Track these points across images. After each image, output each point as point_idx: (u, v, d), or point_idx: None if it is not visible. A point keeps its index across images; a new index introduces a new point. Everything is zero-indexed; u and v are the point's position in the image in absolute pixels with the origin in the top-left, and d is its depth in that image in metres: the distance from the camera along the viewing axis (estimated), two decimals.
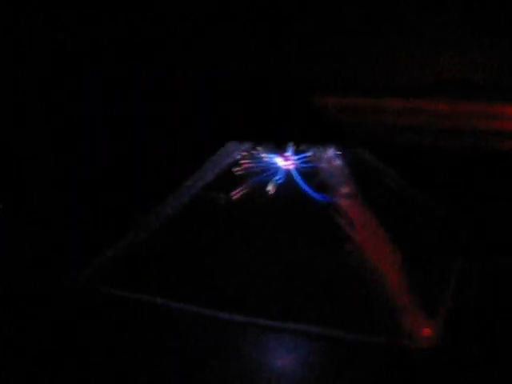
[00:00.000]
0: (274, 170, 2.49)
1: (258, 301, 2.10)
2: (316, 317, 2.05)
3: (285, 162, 2.51)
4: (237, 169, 2.50)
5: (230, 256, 2.23)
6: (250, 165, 2.49)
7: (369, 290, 2.12)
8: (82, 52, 2.64)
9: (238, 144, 2.54)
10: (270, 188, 2.42)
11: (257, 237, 2.27)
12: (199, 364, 1.97)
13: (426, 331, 2.06)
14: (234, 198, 2.39)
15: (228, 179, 2.46)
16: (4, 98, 2.68)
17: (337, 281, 2.14)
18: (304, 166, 2.48)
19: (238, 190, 2.41)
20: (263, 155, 2.52)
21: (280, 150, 2.52)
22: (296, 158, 2.51)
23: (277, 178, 2.44)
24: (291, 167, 2.50)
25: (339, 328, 2.04)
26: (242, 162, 2.51)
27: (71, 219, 2.45)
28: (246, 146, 2.55)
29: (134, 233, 2.35)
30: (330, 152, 2.48)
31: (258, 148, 2.53)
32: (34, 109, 2.68)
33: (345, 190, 2.39)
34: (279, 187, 2.43)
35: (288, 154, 2.52)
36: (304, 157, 2.51)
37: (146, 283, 2.19)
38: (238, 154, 2.52)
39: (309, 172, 2.45)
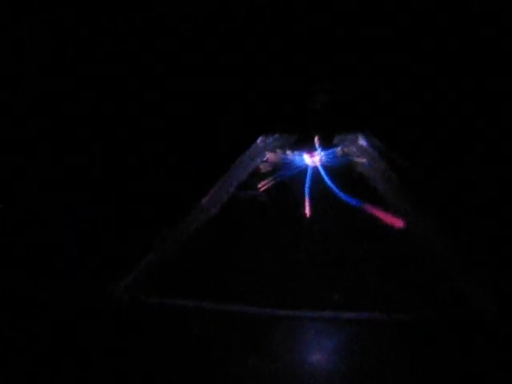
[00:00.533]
0: (301, 167, 2.47)
1: (309, 293, 2.13)
2: (379, 302, 2.10)
3: (312, 159, 2.49)
4: (265, 166, 2.48)
5: (271, 255, 2.24)
6: (279, 162, 2.48)
7: (423, 270, 2.15)
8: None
9: (268, 140, 2.53)
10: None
11: (294, 233, 2.29)
12: (244, 360, 1.99)
13: (484, 301, 2.07)
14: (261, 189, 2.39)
15: (260, 177, 2.46)
16: (4, 98, 2.68)
17: (387, 266, 2.18)
18: (331, 161, 2.47)
19: (264, 183, 2.40)
20: (291, 152, 2.50)
21: (308, 143, 2.50)
22: (323, 153, 2.49)
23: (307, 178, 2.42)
24: (318, 163, 2.48)
25: (404, 309, 2.07)
26: (271, 159, 2.50)
27: (108, 229, 2.44)
28: (276, 142, 2.54)
29: (172, 236, 2.33)
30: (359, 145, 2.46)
31: (287, 145, 2.52)
32: (36, 109, 2.69)
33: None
34: (307, 185, 2.41)
35: (315, 149, 2.49)
36: (331, 152, 2.49)
37: (189, 287, 2.19)
38: (268, 151, 2.51)
39: (337, 169, 2.44)
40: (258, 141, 2.53)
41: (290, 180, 2.44)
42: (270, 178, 2.44)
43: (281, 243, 2.28)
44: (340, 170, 2.42)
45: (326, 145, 2.49)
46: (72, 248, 2.41)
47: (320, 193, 2.38)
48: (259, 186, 2.41)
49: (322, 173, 2.44)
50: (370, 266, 2.19)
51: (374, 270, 2.17)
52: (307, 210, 2.35)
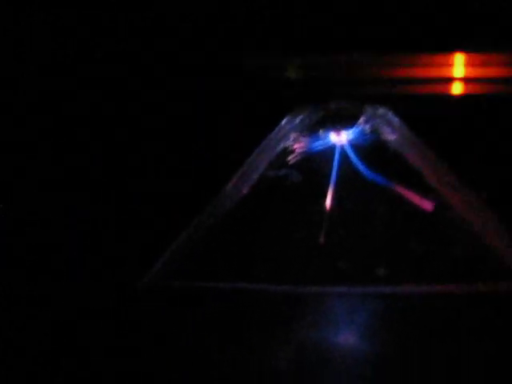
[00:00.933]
0: (328, 146, 2.45)
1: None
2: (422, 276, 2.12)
3: (339, 137, 2.46)
4: (291, 147, 2.45)
5: (301, 234, 2.26)
6: (305, 142, 2.45)
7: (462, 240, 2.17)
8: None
9: (294, 120, 2.50)
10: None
11: (323, 213, 2.30)
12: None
13: None
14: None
15: (287, 157, 2.44)
16: (3, 98, 2.68)
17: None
18: (360, 139, 2.44)
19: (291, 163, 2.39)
20: (317, 132, 2.47)
21: (335, 121, 2.48)
22: (351, 131, 2.46)
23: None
24: (346, 141, 2.45)
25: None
26: (297, 139, 2.47)
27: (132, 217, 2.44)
28: (302, 122, 2.51)
29: (200, 220, 2.31)
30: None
31: (313, 124, 2.49)
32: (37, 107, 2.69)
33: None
34: (334, 164, 2.40)
35: (343, 127, 2.46)
36: (360, 129, 2.46)
37: (220, 269, 2.20)
38: (294, 131, 2.48)
39: (365, 147, 2.42)
40: (284, 122, 2.51)
41: (317, 160, 2.42)
42: (297, 159, 2.42)
43: (311, 222, 2.28)
44: (369, 148, 2.41)
45: (354, 121, 2.47)
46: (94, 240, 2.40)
47: (348, 172, 2.38)
48: (287, 166, 2.40)
49: (350, 151, 2.41)
50: (412, 240, 2.21)
51: (414, 244, 2.19)
52: (334, 190, 2.35)
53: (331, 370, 1.94)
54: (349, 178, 2.33)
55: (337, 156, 2.38)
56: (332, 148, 2.41)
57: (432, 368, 1.91)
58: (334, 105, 2.47)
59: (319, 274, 2.13)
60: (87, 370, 2.00)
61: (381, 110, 2.45)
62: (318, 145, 2.42)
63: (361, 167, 2.35)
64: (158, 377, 1.97)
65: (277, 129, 2.48)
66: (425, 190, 2.27)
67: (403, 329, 2.00)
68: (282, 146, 2.43)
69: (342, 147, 2.41)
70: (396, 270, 2.13)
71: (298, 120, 2.49)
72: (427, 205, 2.26)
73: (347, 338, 2.01)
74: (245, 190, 2.34)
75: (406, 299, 2.07)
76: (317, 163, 2.39)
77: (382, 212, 2.25)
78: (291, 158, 2.38)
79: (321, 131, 2.45)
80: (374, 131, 2.44)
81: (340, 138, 2.43)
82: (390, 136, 2.42)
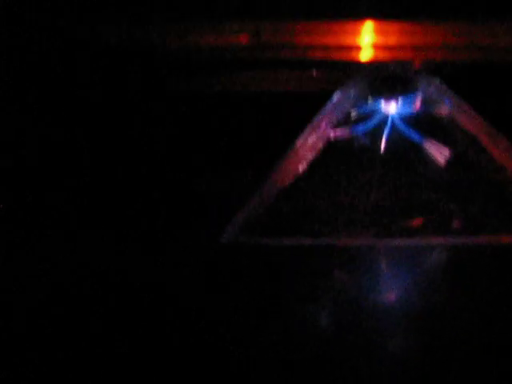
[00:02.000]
0: (380, 115, 2.49)
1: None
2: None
3: (391, 106, 2.49)
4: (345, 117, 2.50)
5: (365, 193, 2.40)
6: (356, 113, 2.50)
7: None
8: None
9: (346, 92, 2.54)
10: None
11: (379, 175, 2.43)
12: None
13: None
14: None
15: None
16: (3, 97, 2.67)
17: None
18: (411, 108, 2.48)
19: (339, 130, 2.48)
20: (369, 101, 2.50)
21: (386, 90, 2.51)
22: (403, 100, 2.48)
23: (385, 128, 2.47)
24: (397, 111, 2.48)
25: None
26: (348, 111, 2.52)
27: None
28: (353, 93, 2.55)
29: (272, 181, 2.43)
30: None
31: (364, 95, 2.53)
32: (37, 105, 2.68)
33: None
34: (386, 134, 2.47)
35: (394, 96, 2.49)
36: (411, 98, 2.49)
37: (293, 226, 2.34)
38: (346, 103, 2.53)
39: (417, 115, 2.48)
40: (335, 94, 2.54)
41: (370, 130, 2.48)
42: (350, 129, 2.48)
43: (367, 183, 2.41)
44: (421, 117, 2.46)
45: (406, 90, 2.49)
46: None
47: (398, 139, 2.45)
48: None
49: (400, 121, 2.45)
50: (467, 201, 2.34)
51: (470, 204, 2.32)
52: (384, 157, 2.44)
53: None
54: (399, 144, 2.41)
55: (389, 124, 2.43)
56: (384, 117, 2.46)
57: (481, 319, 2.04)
58: (385, 73, 2.51)
59: (379, 229, 2.28)
60: (178, 320, 2.11)
61: (433, 80, 2.48)
62: (370, 115, 2.45)
63: (412, 135, 2.40)
64: (237, 327, 2.08)
65: (329, 101, 2.53)
66: (481, 154, 2.38)
67: (460, 280, 2.14)
68: (336, 117, 2.48)
69: (394, 116, 2.45)
70: (456, 227, 2.28)
71: (350, 90, 2.53)
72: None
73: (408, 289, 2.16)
74: (311, 155, 2.43)
75: (461, 251, 2.23)
76: (370, 132, 2.45)
77: (433, 174, 2.36)
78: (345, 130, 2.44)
79: (372, 100, 2.49)
80: (427, 100, 2.47)
81: (392, 106, 2.47)
82: (442, 105, 2.45)
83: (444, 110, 2.43)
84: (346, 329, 2.08)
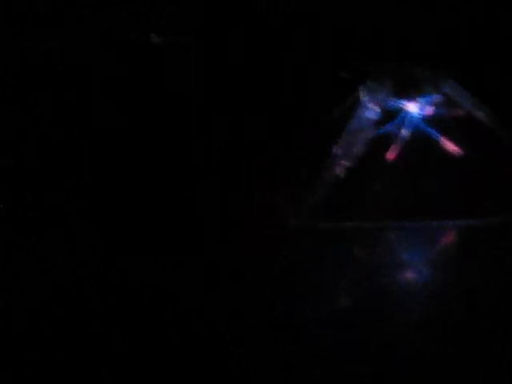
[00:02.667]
0: (401, 116, 2.70)
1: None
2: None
3: (413, 106, 2.68)
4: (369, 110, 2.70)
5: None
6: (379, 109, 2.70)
7: None
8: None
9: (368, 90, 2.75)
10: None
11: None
12: None
13: None
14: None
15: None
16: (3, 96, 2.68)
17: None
18: (433, 108, 2.68)
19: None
20: (390, 101, 2.71)
21: (408, 90, 2.70)
22: (424, 100, 2.68)
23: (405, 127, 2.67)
24: (419, 111, 2.68)
25: None
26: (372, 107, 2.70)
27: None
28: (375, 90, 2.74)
29: (329, 172, 2.65)
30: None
31: (386, 93, 2.72)
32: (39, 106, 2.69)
33: None
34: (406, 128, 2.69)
35: (416, 96, 2.68)
36: (432, 99, 2.69)
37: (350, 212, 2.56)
38: (370, 101, 2.72)
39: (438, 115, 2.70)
40: (359, 92, 2.75)
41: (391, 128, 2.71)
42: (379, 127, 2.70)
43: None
44: (442, 117, 2.68)
45: (427, 91, 2.69)
46: None
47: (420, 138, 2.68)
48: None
49: (421, 121, 2.66)
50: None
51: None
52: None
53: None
54: (420, 141, 2.64)
55: (408, 121, 2.64)
56: (404, 114, 2.67)
57: None
58: (407, 74, 2.72)
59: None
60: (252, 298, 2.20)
61: (450, 82, 2.67)
62: (391, 114, 2.66)
63: (430, 132, 2.61)
64: (310, 309, 2.15)
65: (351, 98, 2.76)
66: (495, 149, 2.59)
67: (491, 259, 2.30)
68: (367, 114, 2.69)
69: (414, 115, 2.65)
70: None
71: (372, 87, 2.72)
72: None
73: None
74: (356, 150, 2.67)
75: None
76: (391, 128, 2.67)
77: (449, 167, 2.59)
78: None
79: (394, 99, 2.69)
80: (447, 101, 2.67)
81: (412, 105, 2.65)
82: (459, 105, 2.65)
83: (460, 109, 2.63)
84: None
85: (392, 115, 2.69)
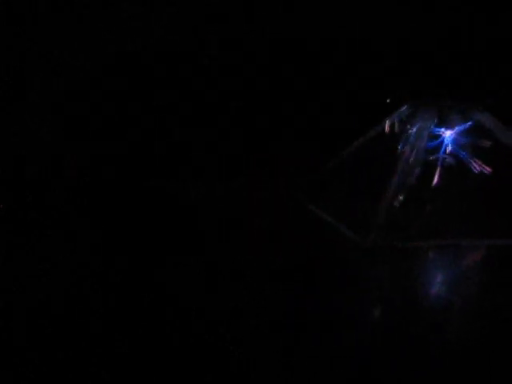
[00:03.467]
0: (443, 143, 2.93)
1: None
2: None
3: (449, 131, 2.91)
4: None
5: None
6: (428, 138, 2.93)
7: None
8: None
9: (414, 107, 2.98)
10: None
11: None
12: None
13: None
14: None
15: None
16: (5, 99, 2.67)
17: None
18: (468, 134, 2.91)
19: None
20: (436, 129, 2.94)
21: (446, 116, 2.93)
22: (460, 126, 2.91)
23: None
24: (455, 136, 2.91)
25: None
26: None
27: None
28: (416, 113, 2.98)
29: (393, 195, 2.83)
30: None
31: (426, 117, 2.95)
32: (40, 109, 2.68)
33: None
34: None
35: (452, 123, 2.92)
36: (468, 126, 2.92)
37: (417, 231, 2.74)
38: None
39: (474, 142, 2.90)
40: (403, 109, 3.00)
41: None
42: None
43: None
44: (472, 142, 2.89)
45: (462, 120, 2.92)
46: None
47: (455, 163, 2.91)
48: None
49: (456, 145, 2.90)
50: None
51: None
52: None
53: None
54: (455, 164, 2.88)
55: (445, 147, 2.89)
56: (445, 141, 2.91)
57: None
58: (446, 104, 2.96)
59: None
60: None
61: (484, 112, 2.93)
62: (436, 139, 2.91)
63: (463, 155, 2.86)
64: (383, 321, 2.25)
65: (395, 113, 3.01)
66: None
67: None
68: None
69: (450, 140, 2.89)
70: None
71: (422, 117, 2.96)
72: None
73: None
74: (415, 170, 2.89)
75: None
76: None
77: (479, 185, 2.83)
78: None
79: (433, 124, 2.93)
80: (481, 128, 2.91)
81: (449, 132, 2.89)
82: (490, 133, 2.90)
83: (491, 137, 2.89)
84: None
85: (436, 143, 2.92)
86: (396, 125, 3.00)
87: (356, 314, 2.23)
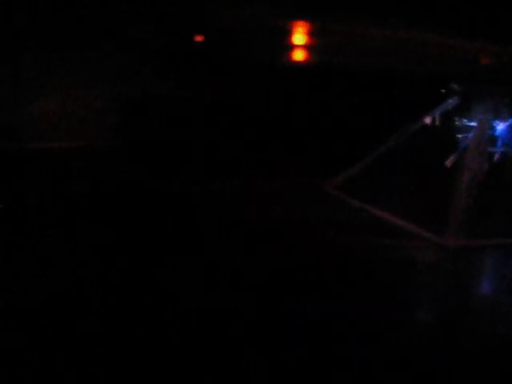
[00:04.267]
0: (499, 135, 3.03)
1: None
2: None
3: (500, 124, 3.00)
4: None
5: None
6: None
7: None
8: None
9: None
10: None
11: None
12: None
13: None
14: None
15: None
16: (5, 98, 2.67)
17: None
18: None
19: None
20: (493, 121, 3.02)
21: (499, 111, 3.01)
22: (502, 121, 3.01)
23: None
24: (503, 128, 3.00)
25: None
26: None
27: None
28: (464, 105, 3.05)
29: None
30: None
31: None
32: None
33: None
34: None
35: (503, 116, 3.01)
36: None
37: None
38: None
39: None
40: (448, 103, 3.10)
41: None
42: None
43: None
44: None
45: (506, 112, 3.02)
46: None
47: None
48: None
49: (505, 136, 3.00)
50: None
51: None
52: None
53: None
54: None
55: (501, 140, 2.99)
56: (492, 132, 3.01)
57: None
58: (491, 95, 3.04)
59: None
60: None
61: None
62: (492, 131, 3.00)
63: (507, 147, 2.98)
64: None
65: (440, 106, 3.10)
66: None
67: None
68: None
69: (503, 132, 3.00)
70: None
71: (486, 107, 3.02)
72: None
73: None
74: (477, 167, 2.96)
75: None
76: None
77: None
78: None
79: (491, 117, 3.00)
80: None
81: (502, 124, 3.00)
82: None
83: None
84: None
85: (492, 134, 3.00)
86: (442, 117, 3.04)
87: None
